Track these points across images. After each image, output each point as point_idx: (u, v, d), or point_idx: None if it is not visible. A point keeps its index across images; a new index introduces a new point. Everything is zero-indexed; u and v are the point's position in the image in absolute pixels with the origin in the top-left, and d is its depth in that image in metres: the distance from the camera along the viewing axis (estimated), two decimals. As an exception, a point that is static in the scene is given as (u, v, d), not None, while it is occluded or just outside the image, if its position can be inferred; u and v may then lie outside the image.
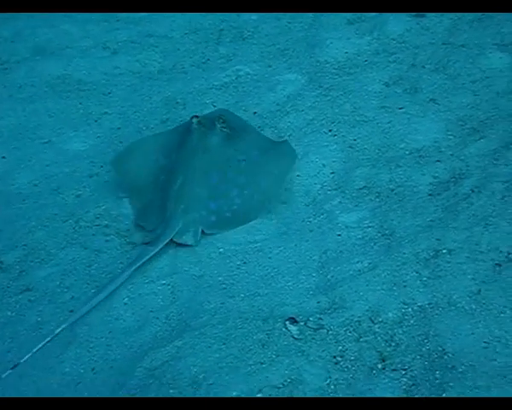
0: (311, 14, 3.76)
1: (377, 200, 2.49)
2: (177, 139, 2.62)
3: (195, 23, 3.80)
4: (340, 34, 3.55)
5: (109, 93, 3.21)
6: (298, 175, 2.66)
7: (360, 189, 2.56)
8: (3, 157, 2.86)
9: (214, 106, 3.09)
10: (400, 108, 2.93)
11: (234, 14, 3.84)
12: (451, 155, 2.62)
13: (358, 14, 3.74)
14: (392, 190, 2.52)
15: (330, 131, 2.86)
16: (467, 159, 2.57)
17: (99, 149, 2.89)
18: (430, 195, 2.46)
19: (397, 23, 3.59)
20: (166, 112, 3.09)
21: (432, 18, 3.61)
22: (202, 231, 2.39)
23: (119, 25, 3.76)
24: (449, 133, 2.74)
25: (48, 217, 2.51)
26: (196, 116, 2.59)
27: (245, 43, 3.62)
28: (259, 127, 2.89)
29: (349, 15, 3.73)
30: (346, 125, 2.87)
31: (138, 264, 2.26)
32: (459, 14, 3.61)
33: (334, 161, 2.72)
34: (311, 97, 3.05)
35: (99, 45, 3.54)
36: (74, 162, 2.82)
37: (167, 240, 2.36)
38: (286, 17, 3.78)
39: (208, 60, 3.49)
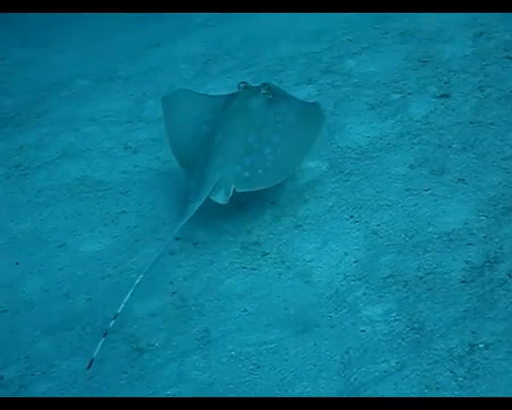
0: (332, 102, 3.74)
1: (404, 290, 2.28)
2: (224, 101, 2.82)
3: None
4: (362, 119, 3.47)
5: (127, 192, 3.18)
6: (319, 266, 2.49)
7: (386, 278, 2.36)
8: (17, 263, 2.82)
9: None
10: (426, 190, 2.76)
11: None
12: (484, 237, 2.40)
13: (381, 97, 3.68)
14: (421, 279, 2.30)
15: (352, 217, 2.70)
16: (501, 241, 2.35)
17: (114, 249, 2.82)
18: (463, 282, 2.23)
19: (420, 105, 3.50)
20: (184, 205, 3.02)
21: (457, 98, 3.51)
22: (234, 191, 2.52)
23: (140, 124, 3.83)
24: (480, 214, 2.54)
25: (54, 325, 2.41)
26: (243, 82, 2.82)
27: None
28: (277, 216, 2.78)
29: (371, 100, 3.68)
30: (369, 211, 2.71)
31: (184, 221, 2.46)
32: (486, 93, 3.50)
33: (356, 249, 2.54)
34: (330, 183, 2.93)
35: (120, 145, 3.58)
36: (88, 264, 2.74)
37: (208, 192, 2.54)
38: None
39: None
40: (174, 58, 5.07)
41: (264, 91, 2.75)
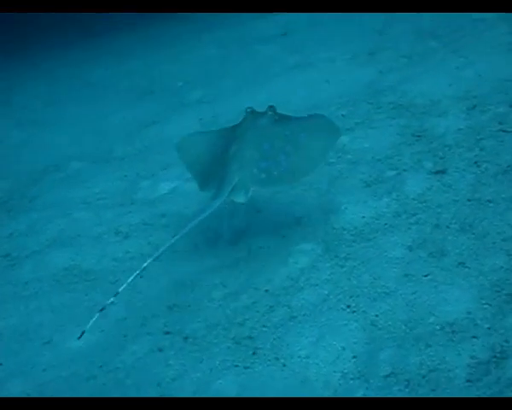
0: (326, 180, 3.68)
1: (407, 390, 2.13)
2: (232, 127, 3.13)
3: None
4: (357, 198, 3.40)
5: (117, 281, 3.07)
6: (316, 363, 2.35)
7: (387, 376, 2.21)
8: (0, 364, 2.68)
9: (224, 285, 2.90)
10: (426, 276, 2.65)
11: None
12: (489, 328, 2.27)
13: (375, 174, 3.63)
14: (424, 377, 2.16)
15: (349, 307, 2.58)
16: (507, 332, 2.21)
17: (101, 346, 2.68)
18: (468, 381, 2.08)
19: (416, 182, 3.44)
20: (174, 295, 2.91)
21: (453, 174, 3.45)
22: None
23: (133, 207, 3.76)
24: (483, 302, 2.42)
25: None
26: (250, 107, 3.10)
27: (259, 215, 3.51)
28: (271, 307, 2.66)
29: (366, 177, 3.63)
30: (366, 299, 2.59)
31: (203, 215, 2.64)
32: (482, 168, 3.45)
33: (354, 343, 2.40)
34: (326, 269, 2.82)
35: (111, 230, 3.51)
36: (73, 363, 2.60)
37: (227, 193, 2.71)
38: (301, 185, 3.71)
39: (221, 235, 3.37)
40: (169, 136, 5.07)
41: (270, 113, 3.02)
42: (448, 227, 2.98)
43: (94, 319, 2.39)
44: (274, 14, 8.88)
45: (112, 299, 2.45)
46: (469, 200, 3.19)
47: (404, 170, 3.62)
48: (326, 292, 2.68)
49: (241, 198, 2.75)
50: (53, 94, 7.63)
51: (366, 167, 3.74)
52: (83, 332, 2.41)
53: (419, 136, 3.97)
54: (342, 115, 4.55)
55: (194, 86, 6.58)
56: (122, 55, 9.35)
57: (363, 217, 3.22)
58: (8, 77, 9.22)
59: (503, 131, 3.79)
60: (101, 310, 2.42)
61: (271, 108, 3.05)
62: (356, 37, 6.48)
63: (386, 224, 3.15)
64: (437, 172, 3.52)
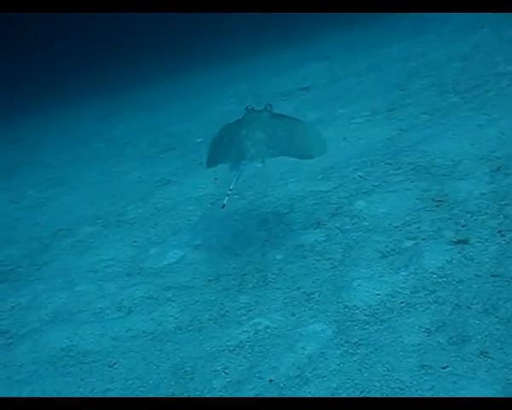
0: (340, 249, 3.50)
1: None
2: (235, 122, 3.52)
3: (219, 268, 3.61)
4: (372, 271, 3.19)
5: (115, 364, 2.91)
6: None
7: None
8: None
9: (226, 373, 2.70)
10: (444, 368, 2.41)
11: (258, 255, 3.65)
12: (514, 437, 2.02)
13: (392, 244, 3.42)
14: None
15: (359, 403, 2.35)
16: (536, 445, 1.96)
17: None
18: None
19: (436, 254, 3.21)
20: (174, 383, 2.72)
21: (475, 245, 3.22)
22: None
23: (139, 278, 3.63)
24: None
25: None
26: (250, 105, 3.54)
27: (268, 288, 3.33)
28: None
29: (382, 247, 3.42)
30: (378, 395, 2.36)
31: (239, 173, 3.22)
32: (507, 238, 3.21)
33: (365, 447, 2.17)
34: (335, 357, 2.60)
35: (114, 305, 3.36)
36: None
37: (248, 159, 3.21)
38: (313, 254, 3.53)
39: (227, 312, 3.19)
40: (183, 198, 4.99)
41: (268, 108, 3.48)
42: (469, 308, 2.74)
43: None
44: (294, 69, 8.92)
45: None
46: (493, 275, 2.95)
47: (424, 239, 3.40)
48: (334, 385, 2.45)
49: (258, 163, 3.27)
50: (73, 151, 7.71)
51: (383, 236, 3.54)
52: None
53: (439, 201, 3.76)
54: (360, 177, 4.38)
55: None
56: (145, 110, 9.48)
57: (378, 294, 3.01)
58: (31, 134, 9.42)
59: (529, 197, 3.56)
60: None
61: (269, 105, 3.52)
62: (376, 92, 6.38)
63: (402, 302, 2.92)
64: (458, 242, 3.30)
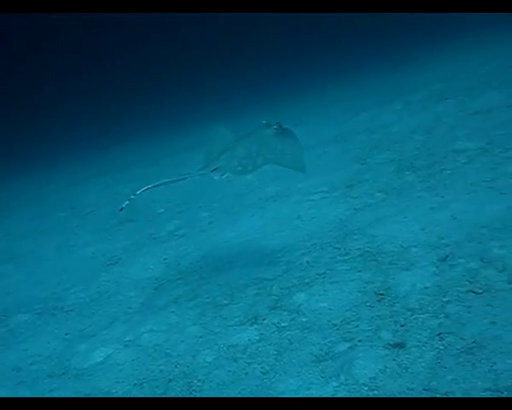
0: (273, 351, 3.29)
1: None
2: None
3: (145, 370, 3.39)
4: (301, 382, 2.98)
5: None
6: None
7: None
8: None
9: None
10: None
11: (189, 356, 3.43)
12: None
13: (327, 347, 3.22)
14: None
15: None
16: None
17: None
18: None
19: (370, 361, 3.01)
20: None
21: (412, 350, 3.02)
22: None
23: (58, 382, 3.38)
24: None
25: None
26: (266, 120, 3.84)
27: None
28: None
29: (316, 350, 3.22)
30: None
31: (186, 177, 3.66)
32: (445, 343, 3.02)
33: None
34: None
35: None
36: None
37: (210, 170, 3.61)
38: (245, 356, 3.31)
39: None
40: (127, 280, 4.81)
41: (275, 127, 3.73)
42: (397, 429, 2.53)
43: None
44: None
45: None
46: (425, 389, 2.75)
47: (360, 341, 3.20)
48: None
49: (216, 177, 3.60)
50: (35, 221, 7.54)
51: (319, 336, 3.34)
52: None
53: (382, 295, 3.59)
54: (307, 262, 4.22)
55: (173, 215, 6.40)
56: (112, 177, 9.35)
57: (304, 410, 2.78)
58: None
59: (472, 292, 3.39)
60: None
61: (278, 123, 3.76)
62: (338, 165, 6.30)
63: (328, 420, 2.70)
64: (395, 346, 3.11)
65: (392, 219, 4.50)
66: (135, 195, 3.46)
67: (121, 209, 3.45)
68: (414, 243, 4.09)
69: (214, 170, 3.60)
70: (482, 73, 8.16)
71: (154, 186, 3.54)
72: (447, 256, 3.82)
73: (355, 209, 4.98)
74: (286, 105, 11.84)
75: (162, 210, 6.75)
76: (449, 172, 5.10)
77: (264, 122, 3.81)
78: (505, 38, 10.51)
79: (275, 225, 5.12)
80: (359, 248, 4.22)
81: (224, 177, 3.58)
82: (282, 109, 11.20)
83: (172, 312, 3.97)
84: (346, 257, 4.15)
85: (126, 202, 3.39)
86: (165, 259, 5.05)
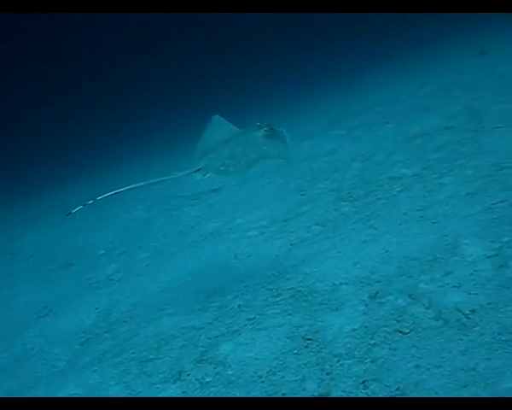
0: None
1: None
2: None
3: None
4: (219, 443, 2.82)
5: None
6: None
7: None
8: None
9: None
10: None
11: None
12: None
13: None
14: None
15: None
16: None
17: None
18: None
19: (291, 415, 2.88)
20: None
21: (334, 401, 2.91)
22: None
23: None
24: None
25: None
26: (260, 122, 3.77)
27: None
28: None
29: (240, 405, 3.07)
30: None
31: (168, 177, 3.69)
32: (369, 391, 2.93)
33: None
34: None
35: None
36: None
37: (193, 170, 3.57)
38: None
39: None
40: (55, 334, 4.60)
41: (265, 129, 3.71)
42: None
43: None
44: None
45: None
46: (345, 446, 2.62)
47: (284, 395, 3.07)
48: None
49: (199, 177, 3.58)
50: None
51: (243, 391, 3.20)
52: None
53: (310, 340, 3.47)
54: (238, 306, 4.08)
55: (112, 257, 6.21)
56: (64, 214, 9.06)
57: None
58: None
59: (399, 332, 3.31)
60: None
61: (268, 125, 3.74)
62: (278, 197, 6.21)
63: None
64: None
65: (326, 255, 4.41)
66: (94, 200, 3.30)
67: (68, 214, 3.35)
68: (346, 279, 4.00)
69: (197, 170, 3.59)
70: (422, 94, 8.24)
71: (126, 189, 3.49)
72: (377, 293, 3.74)
73: (291, 245, 4.88)
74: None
75: (103, 251, 6.54)
76: (384, 201, 5.05)
77: (258, 124, 3.77)
78: (445, 57, 10.70)
79: (210, 266, 4.98)
80: (292, 288, 4.10)
81: (206, 177, 3.57)
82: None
83: (95, 371, 3.77)
84: (277, 299, 4.03)
85: (79, 207, 3.22)
86: (96, 308, 4.84)
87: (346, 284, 3.95)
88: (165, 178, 3.74)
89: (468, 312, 3.29)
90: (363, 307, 3.63)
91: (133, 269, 5.57)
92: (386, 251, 4.20)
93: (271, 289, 4.18)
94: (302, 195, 6.01)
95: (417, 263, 3.92)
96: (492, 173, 4.82)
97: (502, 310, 3.22)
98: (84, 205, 3.17)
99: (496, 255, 3.73)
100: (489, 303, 3.31)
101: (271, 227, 5.39)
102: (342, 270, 4.13)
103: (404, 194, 5.04)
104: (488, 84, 7.43)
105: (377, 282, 3.86)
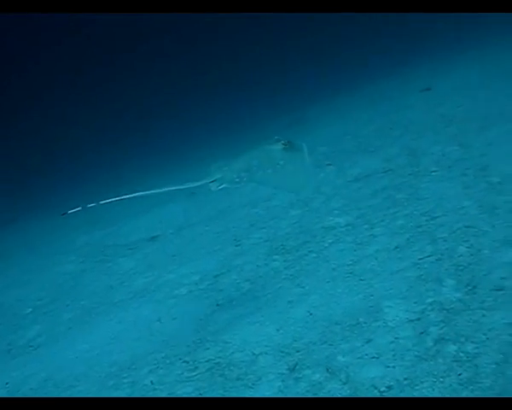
0: None
1: None
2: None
3: None
4: None
5: None
6: None
7: None
8: None
9: None
10: None
11: None
12: None
13: None
14: None
15: None
16: None
17: None
18: None
19: None
20: None
21: None
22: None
23: None
24: None
25: None
26: (278, 137, 3.75)
27: None
28: None
29: None
30: None
31: (187, 185, 3.59)
32: None
33: None
34: None
35: None
36: None
37: (208, 181, 3.59)
38: None
39: None
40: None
41: (283, 142, 3.69)
42: None
43: None
44: (162, 207, 8.40)
45: None
46: None
47: None
48: None
49: (213, 188, 3.58)
50: None
51: None
52: None
53: (219, 424, 3.18)
54: (151, 382, 3.80)
55: (37, 317, 5.83)
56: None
57: None
58: None
59: (312, 414, 3.05)
60: None
61: (286, 140, 3.71)
62: (213, 248, 5.96)
63: None
64: None
65: (250, 319, 4.16)
66: (98, 203, 3.24)
67: (63, 214, 3.21)
68: (266, 348, 3.76)
69: (213, 181, 3.61)
70: (365, 133, 8.15)
71: (135, 196, 3.45)
72: (296, 365, 3.50)
73: (218, 305, 4.61)
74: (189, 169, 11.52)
75: (30, 310, 6.14)
76: (314, 255, 4.85)
77: (276, 138, 3.77)
78: (393, 91, 10.72)
79: (132, 331, 4.66)
80: (209, 360, 3.83)
81: (220, 188, 3.58)
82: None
83: None
84: (193, 373, 3.76)
85: (78, 208, 3.12)
86: (7, 383, 4.46)
87: (266, 353, 3.71)
88: (181, 187, 3.64)
89: (383, 388, 3.08)
90: (280, 384, 3.39)
91: (55, 333, 5.21)
92: (311, 314, 3.98)
93: (188, 362, 3.90)
94: (237, 245, 5.76)
95: (340, 328, 3.71)
96: (422, 224, 4.67)
97: (417, 387, 3.01)
98: (82, 208, 3.10)
99: (418, 319, 3.55)
100: (405, 379, 3.09)
101: (201, 284, 5.12)
102: (264, 337, 3.89)
103: (335, 247, 4.85)
104: (429, 124, 7.38)
105: (297, 352, 3.63)
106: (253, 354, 3.75)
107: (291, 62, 19.35)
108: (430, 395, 2.94)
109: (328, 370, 3.34)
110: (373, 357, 3.33)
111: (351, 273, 4.33)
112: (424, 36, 15.72)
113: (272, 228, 5.86)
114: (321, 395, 3.18)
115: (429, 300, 3.67)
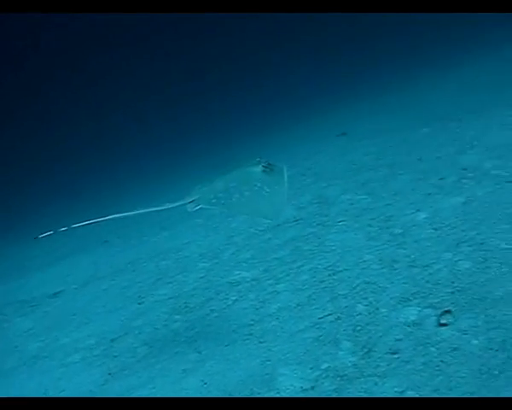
0: None
1: None
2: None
3: None
4: None
5: None
6: None
7: None
8: None
9: None
10: None
11: None
12: None
13: None
14: None
15: None
16: None
17: None
18: None
19: None
20: None
21: None
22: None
23: None
24: None
25: None
26: (259, 157, 3.75)
27: None
28: None
29: None
30: None
31: (161, 208, 3.59)
32: None
33: None
34: None
35: None
36: None
37: (187, 201, 3.58)
38: None
39: None
40: None
41: (264, 165, 3.64)
42: None
43: None
44: (59, 264, 8.01)
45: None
46: None
47: None
48: None
49: (190, 209, 3.57)
50: None
51: None
52: None
53: None
54: None
55: None
56: None
57: None
58: None
59: None
60: None
61: (267, 162, 3.69)
62: (115, 306, 5.60)
63: None
64: None
65: (141, 391, 3.84)
66: (69, 227, 3.17)
67: (36, 238, 3.15)
68: None
69: (191, 202, 3.59)
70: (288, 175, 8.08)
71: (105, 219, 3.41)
72: None
73: (109, 374, 4.26)
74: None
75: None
76: (216, 314, 4.61)
77: (258, 159, 3.74)
78: (310, 136, 10.82)
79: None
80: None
81: (197, 209, 3.58)
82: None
83: None
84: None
85: (49, 232, 3.06)
86: None
87: None
88: (158, 208, 3.61)
89: None
90: None
91: None
92: (205, 384, 3.72)
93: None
94: (140, 303, 5.44)
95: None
96: (325, 279, 4.54)
97: None
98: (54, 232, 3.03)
99: (312, 388, 3.36)
100: None
101: (96, 349, 4.75)
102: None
103: (238, 305, 4.63)
104: (340, 171, 7.40)
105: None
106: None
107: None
108: None
109: (214, 451, 3.07)
110: (262, 435, 3.09)
111: (250, 335, 4.12)
112: (346, 79, 16.16)
113: (179, 283, 5.59)
114: None
115: (325, 365, 3.50)
